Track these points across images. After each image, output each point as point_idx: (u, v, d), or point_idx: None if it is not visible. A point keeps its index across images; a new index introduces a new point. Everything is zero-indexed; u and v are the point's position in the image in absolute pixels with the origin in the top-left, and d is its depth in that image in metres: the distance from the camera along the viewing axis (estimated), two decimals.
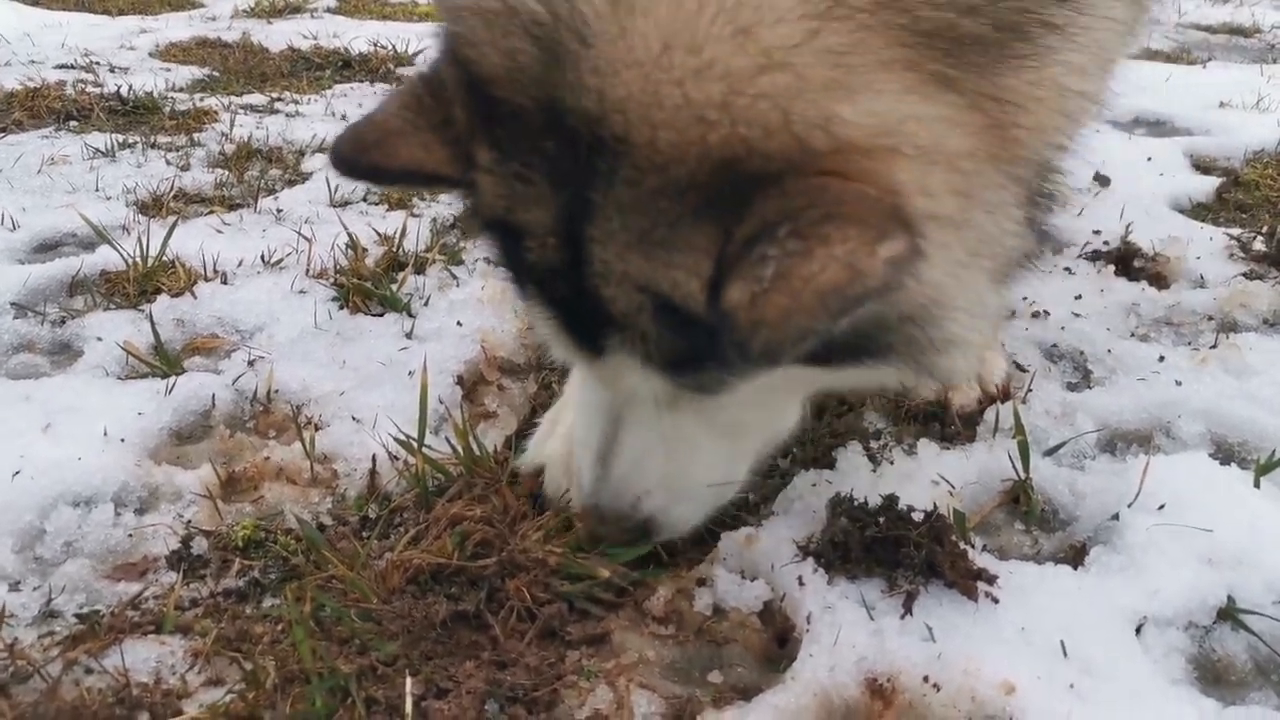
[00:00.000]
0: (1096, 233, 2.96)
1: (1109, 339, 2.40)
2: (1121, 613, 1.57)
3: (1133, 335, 2.47)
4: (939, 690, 1.43)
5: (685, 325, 1.19)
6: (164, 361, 2.18)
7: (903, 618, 1.52)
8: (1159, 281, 2.73)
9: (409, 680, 1.35)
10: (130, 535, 1.70)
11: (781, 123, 1.11)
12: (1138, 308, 2.58)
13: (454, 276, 2.59)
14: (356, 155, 1.31)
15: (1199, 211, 3.26)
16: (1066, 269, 2.77)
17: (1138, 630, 1.55)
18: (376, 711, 1.34)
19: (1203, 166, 3.65)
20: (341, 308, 2.42)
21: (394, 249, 2.67)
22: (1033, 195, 1.34)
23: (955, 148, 1.20)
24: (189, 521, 1.73)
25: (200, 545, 1.67)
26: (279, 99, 4.23)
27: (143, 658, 1.42)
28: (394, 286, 2.49)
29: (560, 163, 1.19)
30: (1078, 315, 2.51)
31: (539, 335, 1.48)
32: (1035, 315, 2.49)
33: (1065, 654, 1.48)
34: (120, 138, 3.54)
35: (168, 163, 3.37)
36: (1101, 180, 3.39)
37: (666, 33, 1.13)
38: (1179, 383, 2.17)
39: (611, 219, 1.17)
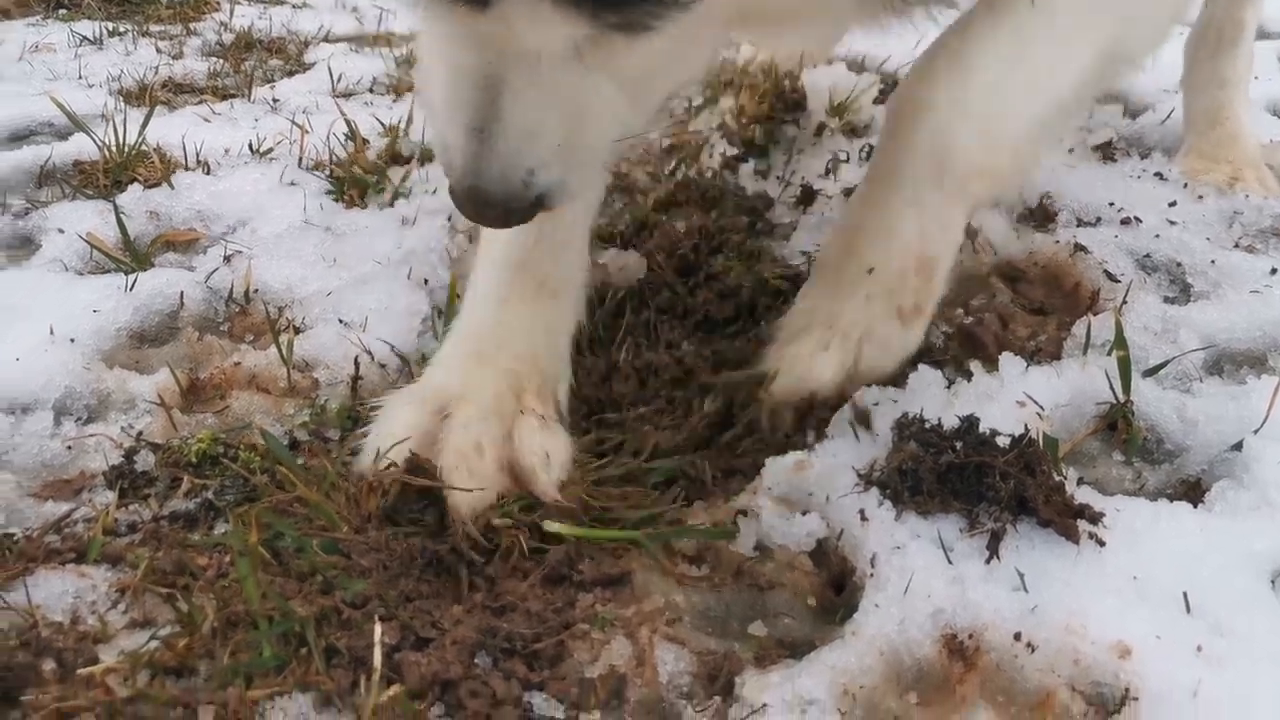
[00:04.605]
0: (1185, 139, 2.63)
1: (1210, 249, 2.09)
2: (1254, 560, 1.29)
3: (1236, 246, 2.16)
4: (1034, 651, 1.16)
5: None
6: (132, 257, 1.92)
7: (988, 562, 1.25)
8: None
9: (379, 627, 1.09)
10: (69, 448, 1.45)
11: None
12: (1240, 216, 2.27)
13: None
14: None
15: None
16: (1157, 174, 2.45)
17: (1273, 582, 1.28)
18: (338, 664, 1.08)
19: None
20: (336, 200, 2.14)
21: (396, 140, 2.38)
22: None
23: None
24: (140, 433, 1.48)
25: (146, 461, 1.41)
26: None
27: (58, 591, 1.17)
28: (401, 180, 2.20)
29: None
30: (1173, 223, 2.19)
31: None
32: (1125, 222, 2.18)
33: (1188, 609, 1.21)
34: (111, 26, 3.27)
35: (159, 50, 3.10)
36: None
37: None
38: None
39: None
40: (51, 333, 1.64)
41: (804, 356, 1.49)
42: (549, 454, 1.37)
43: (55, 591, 1.17)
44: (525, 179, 1.21)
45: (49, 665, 1.06)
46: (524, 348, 1.46)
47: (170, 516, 1.32)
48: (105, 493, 1.36)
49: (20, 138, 2.54)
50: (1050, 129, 1.59)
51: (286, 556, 1.21)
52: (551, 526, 1.23)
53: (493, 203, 1.23)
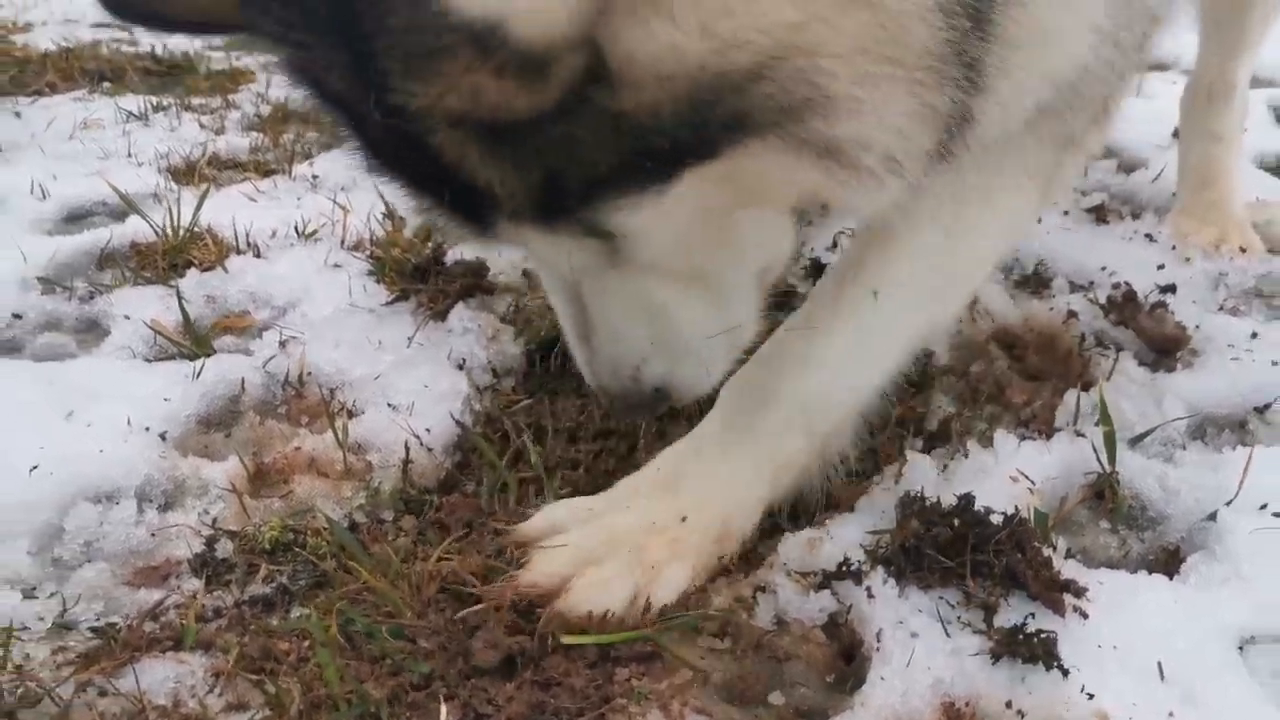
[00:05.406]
0: (1176, 196, 2.77)
1: (1196, 313, 2.22)
2: (1224, 630, 1.43)
3: (1221, 308, 2.29)
4: (1023, 718, 1.30)
5: (519, 145, 1.08)
6: (194, 342, 2.08)
7: (983, 635, 1.39)
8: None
9: (445, 707, 1.25)
10: (153, 535, 1.60)
11: None
12: (1225, 278, 2.41)
13: (500, 251, 2.47)
14: None
15: None
16: (1147, 235, 2.59)
17: (1240, 649, 1.42)
18: None
19: None
20: (378, 282, 2.30)
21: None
22: None
23: None
24: (214, 520, 1.63)
25: (225, 548, 1.57)
26: None
27: (160, 678, 1.32)
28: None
29: (319, 7, 1.06)
30: (1161, 287, 2.33)
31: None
32: (1116, 286, 2.31)
33: (1163, 677, 1.35)
34: (154, 100, 3.45)
35: (201, 126, 3.27)
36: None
37: None
38: (1275, 362, 2.01)
39: (392, 54, 1.02)
40: (129, 423, 1.80)
41: (602, 584, 1.43)
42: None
43: (158, 678, 1.32)
44: (634, 374, 1.36)
45: None
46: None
47: (250, 601, 1.47)
48: (191, 579, 1.52)
49: (78, 217, 2.70)
50: (863, 412, 1.65)
51: (358, 640, 1.37)
52: (568, 639, 1.37)
53: (616, 398, 1.40)
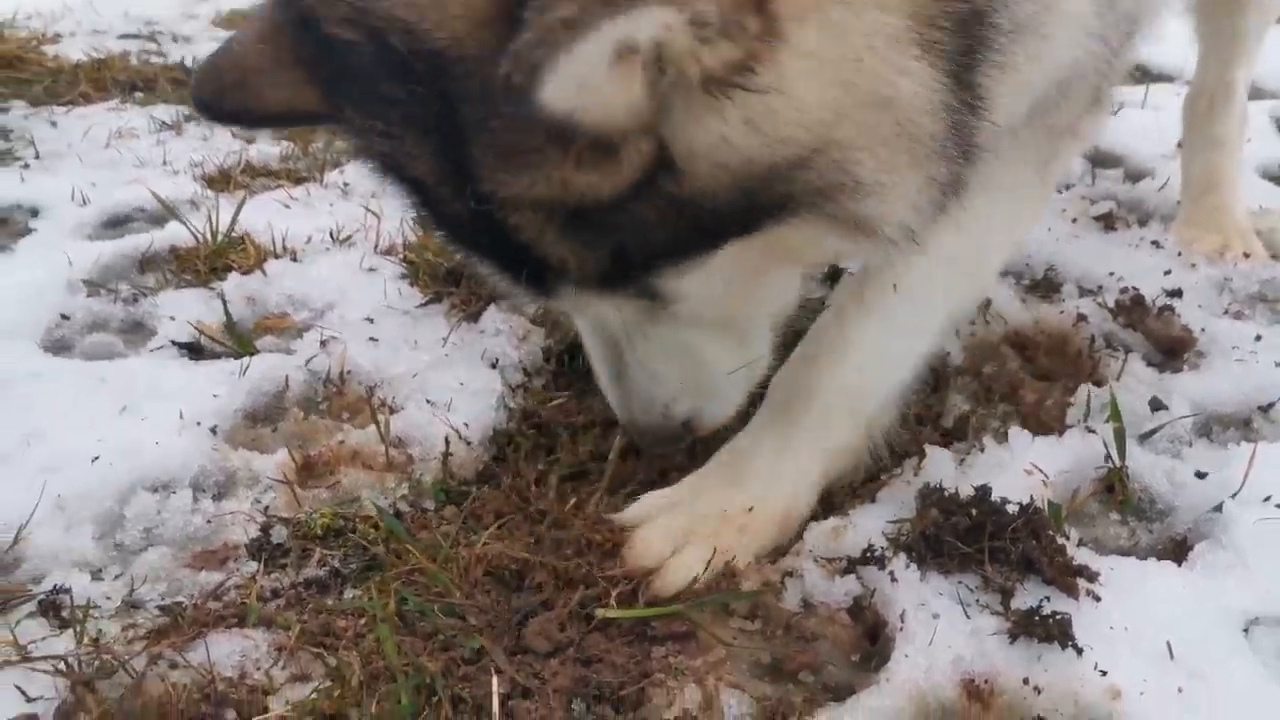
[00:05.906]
0: (1180, 204, 2.85)
1: (1202, 316, 2.30)
2: (1229, 613, 1.51)
3: (1225, 312, 2.37)
4: (1040, 693, 1.38)
5: (594, 226, 1.17)
6: (238, 342, 2.17)
7: (1000, 616, 1.47)
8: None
9: (495, 679, 1.33)
10: (209, 522, 1.68)
11: None
12: (1230, 283, 2.48)
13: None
14: (217, 99, 1.28)
15: None
16: (1154, 242, 2.66)
17: (1244, 632, 1.49)
18: (463, 710, 1.32)
19: None
20: (411, 285, 2.39)
21: None
22: (958, 60, 1.22)
23: None
24: (267, 508, 1.72)
25: (280, 534, 1.65)
26: None
27: (226, 651, 1.41)
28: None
29: (412, 105, 1.13)
30: (1168, 291, 2.41)
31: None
32: (1124, 291, 2.39)
33: (1172, 656, 1.43)
34: (185, 110, 3.53)
35: (233, 135, 3.35)
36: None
37: None
38: (1278, 364, 2.08)
39: (483, 146, 1.11)
40: (181, 416, 1.88)
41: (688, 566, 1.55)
42: None
43: (225, 651, 1.41)
44: (665, 411, 1.48)
45: (230, 715, 1.30)
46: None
47: (305, 583, 1.56)
48: (248, 563, 1.60)
49: (118, 223, 2.79)
50: (903, 393, 1.77)
51: (411, 618, 1.45)
52: (602, 613, 1.47)
53: (646, 432, 1.51)
